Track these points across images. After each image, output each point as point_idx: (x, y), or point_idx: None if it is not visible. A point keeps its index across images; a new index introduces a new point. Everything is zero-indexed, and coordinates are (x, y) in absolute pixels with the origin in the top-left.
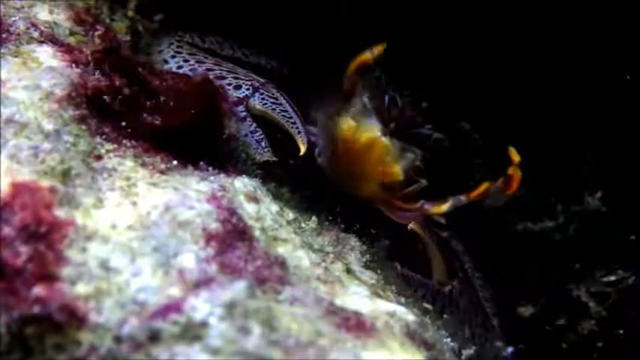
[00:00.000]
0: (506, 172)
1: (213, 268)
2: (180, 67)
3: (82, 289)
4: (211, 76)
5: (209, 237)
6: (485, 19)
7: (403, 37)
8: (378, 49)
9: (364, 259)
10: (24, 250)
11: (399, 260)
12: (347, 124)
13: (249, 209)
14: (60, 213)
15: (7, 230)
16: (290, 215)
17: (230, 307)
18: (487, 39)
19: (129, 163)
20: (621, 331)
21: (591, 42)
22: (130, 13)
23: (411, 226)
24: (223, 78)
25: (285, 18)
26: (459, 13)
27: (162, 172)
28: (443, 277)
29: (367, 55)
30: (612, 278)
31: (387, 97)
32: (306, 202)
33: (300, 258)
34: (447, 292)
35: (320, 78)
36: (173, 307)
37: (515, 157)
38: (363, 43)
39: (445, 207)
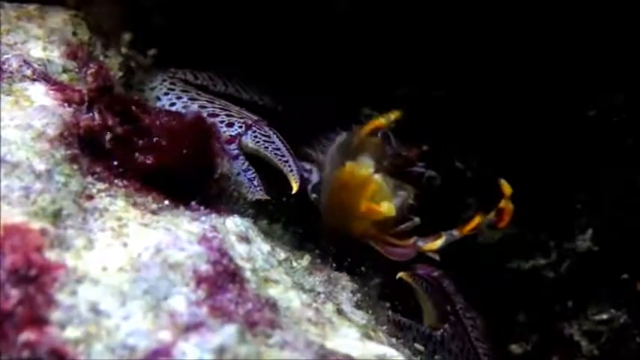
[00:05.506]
0: (498, 205)
1: (203, 312)
2: (173, 105)
3: (71, 333)
4: (204, 114)
5: (200, 279)
6: (479, 54)
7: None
8: (394, 115)
9: (355, 299)
10: (14, 294)
11: (390, 299)
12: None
13: (240, 250)
14: (50, 255)
15: None
16: (281, 255)
17: (220, 352)
18: (481, 77)
19: (120, 202)
20: None
21: (582, 81)
22: (124, 50)
23: (400, 274)
24: (216, 115)
25: (278, 52)
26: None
27: (153, 212)
28: (434, 322)
29: (382, 121)
30: (604, 317)
31: (380, 135)
32: (298, 240)
33: (291, 299)
34: (439, 336)
35: (313, 115)
36: (162, 352)
37: (507, 189)
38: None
39: (439, 243)
